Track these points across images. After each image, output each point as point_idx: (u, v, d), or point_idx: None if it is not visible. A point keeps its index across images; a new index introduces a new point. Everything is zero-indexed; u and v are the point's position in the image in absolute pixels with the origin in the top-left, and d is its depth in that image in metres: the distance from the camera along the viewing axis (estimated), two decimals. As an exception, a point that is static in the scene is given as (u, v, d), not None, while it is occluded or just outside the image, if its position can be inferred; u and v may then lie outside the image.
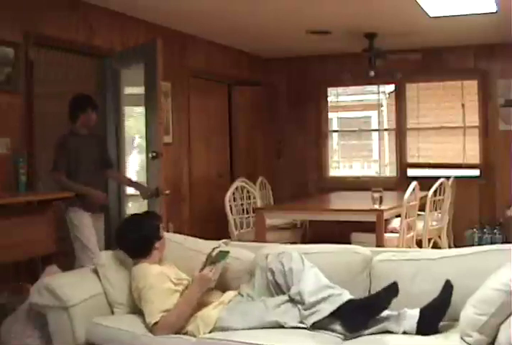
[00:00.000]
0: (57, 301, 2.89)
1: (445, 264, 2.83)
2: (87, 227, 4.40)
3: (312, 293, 2.70)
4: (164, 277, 2.92)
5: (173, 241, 3.40)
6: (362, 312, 2.62)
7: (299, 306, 2.74)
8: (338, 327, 2.67)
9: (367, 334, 2.64)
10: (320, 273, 2.81)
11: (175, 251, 3.29)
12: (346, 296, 2.69)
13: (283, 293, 2.84)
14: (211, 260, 2.92)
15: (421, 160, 7.66)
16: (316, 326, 2.68)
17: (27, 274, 4.03)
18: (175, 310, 2.82)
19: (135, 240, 3.11)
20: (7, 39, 4.26)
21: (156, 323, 2.78)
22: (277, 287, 2.87)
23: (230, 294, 2.97)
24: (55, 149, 4.42)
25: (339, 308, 2.64)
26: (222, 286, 3.05)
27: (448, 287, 2.63)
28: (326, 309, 2.65)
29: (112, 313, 3.05)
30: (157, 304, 2.83)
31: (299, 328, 2.71)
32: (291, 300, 2.79)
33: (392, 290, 2.65)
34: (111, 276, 3.10)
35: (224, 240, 3.24)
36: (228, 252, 2.96)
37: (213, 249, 2.98)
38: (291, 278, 2.79)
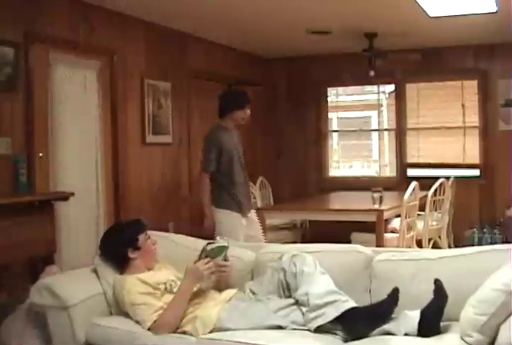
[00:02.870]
0: (57, 301, 2.88)
1: (445, 264, 2.83)
2: (236, 229, 4.37)
3: (319, 296, 2.69)
4: (139, 283, 2.91)
5: (172, 241, 3.41)
6: (365, 322, 2.61)
7: (303, 309, 2.74)
8: (340, 332, 2.67)
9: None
10: (330, 280, 2.80)
11: (174, 251, 3.29)
12: (352, 303, 2.68)
13: (290, 294, 2.84)
14: (206, 253, 2.89)
15: (421, 160, 7.66)
16: (318, 330, 2.67)
17: (27, 274, 4.04)
18: (170, 306, 2.82)
19: (108, 248, 3.14)
20: (7, 39, 4.26)
21: (154, 323, 2.78)
22: (285, 287, 2.87)
23: (231, 291, 2.97)
24: (204, 146, 4.39)
25: (342, 314, 2.64)
26: (223, 285, 3.05)
27: (439, 286, 2.62)
28: (330, 313, 2.64)
29: (111, 313, 3.05)
30: (145, 308, 2.83)
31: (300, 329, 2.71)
32: (295, 303, 2.79)
33: (393, 298, 2.62)
34: (110, 276, 3.10)
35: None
36: (225, 247, 2.94)
37: (208, 243, 2.96)
38: (301, 280, 2.78)
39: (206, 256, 2.89)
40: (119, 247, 3.09)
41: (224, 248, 2.93)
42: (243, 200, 4.59)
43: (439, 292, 2.61)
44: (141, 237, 3.09)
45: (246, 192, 4.66)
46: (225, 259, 2.95)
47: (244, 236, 4.44)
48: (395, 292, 2.63)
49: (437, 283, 2.62)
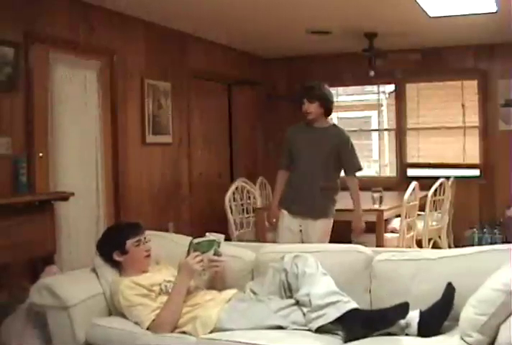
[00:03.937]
0: (57, 301, 2.89)
1: (445, 264, 2.83)
2: (285, 230, 4.29)
3: (320, 296, 2.69)
4: (133, 285, 2.92)
5: (172, 241, 3.41)
6: (365, 324, 2.61)
7: (304, 309, 2.74)
8: (340, 332, 2.67)
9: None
10: (332, 280, 2.80)
11: (174, 251, 3.28)
12: (354, 305, 2.68)
13: (291, 294, 2.84)
14: (194, 248, 2.89)
15: (421, 160, 7.66)
16: (319, 330, 2.67)
17: (27, 274, 4.04)
18: (167, 304, 2.82)
19: (100, 249, 3.17)
20: (7, 39, 4.26)
21: (153, 323, 2.79)
22: (287, 288, 2.87)
23: (230, 292, 2.97)
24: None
25: (343, 315, 2.63)
26: (219, 284, 3.06)
27: (450, 290, 2.62)
28: (332, 314, 2.64)
29: (111, 313, 3.05)
30: (142, 309, 2.84)
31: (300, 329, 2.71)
32: (296, 304, 2.79)
33: (401, 311, 2.60)
34: (109, 276, 3.10)
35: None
36: (214, 241, 2.92)
37: (194, 237, 2.96)
38: (303, 280, 2.79)
39: (196, 251, 2.89)
40: (106, 248, 3.12)
41: (213, 242, 2.92)
42: (298, 199, 4.30)
43: (448, 295, 2.61)
44: (129, 242, 3.07)
45: (307, 193, 4.30)
46: (217, 255, 2.94)
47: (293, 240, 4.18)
48: (405, 306, 2.59)
49: (449, 287, 2.62)
